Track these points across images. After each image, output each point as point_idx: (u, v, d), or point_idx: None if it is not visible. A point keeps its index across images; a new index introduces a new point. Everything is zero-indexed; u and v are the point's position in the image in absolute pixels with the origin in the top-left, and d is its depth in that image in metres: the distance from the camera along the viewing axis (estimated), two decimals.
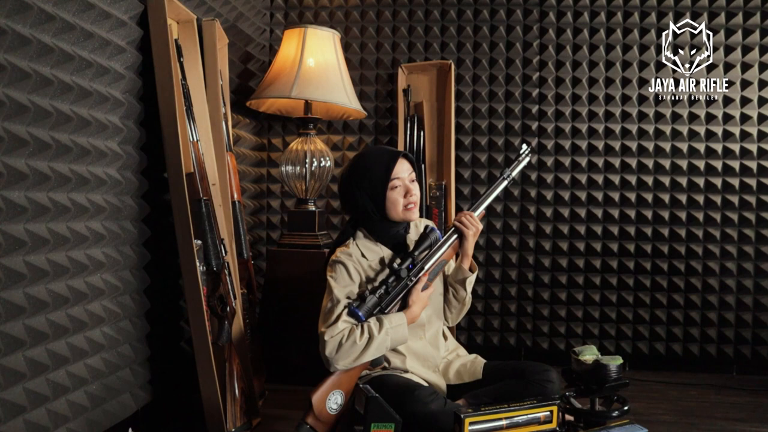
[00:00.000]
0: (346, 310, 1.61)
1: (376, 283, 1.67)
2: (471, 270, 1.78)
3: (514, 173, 1.82)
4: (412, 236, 1.82)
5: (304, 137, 2.56)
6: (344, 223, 2.91)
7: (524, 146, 1.86)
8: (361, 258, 1.72)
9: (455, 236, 1.74)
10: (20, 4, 1.31)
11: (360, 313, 1.59)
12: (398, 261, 1.67)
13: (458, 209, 2.82)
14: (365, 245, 1.75)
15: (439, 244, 1.72)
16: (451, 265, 1.84)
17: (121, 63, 1.72)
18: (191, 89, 2.01)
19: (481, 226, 1.74)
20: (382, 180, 1.68)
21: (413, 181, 1.73)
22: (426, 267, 1.69)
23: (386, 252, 1.76)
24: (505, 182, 1.80)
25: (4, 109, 1.28)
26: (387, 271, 1.69)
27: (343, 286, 1.66)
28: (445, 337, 1.88)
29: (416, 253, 1.67)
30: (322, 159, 2.55)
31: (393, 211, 1.70)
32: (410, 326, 1.68)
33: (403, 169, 1.71)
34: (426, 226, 1.74)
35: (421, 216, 2.06)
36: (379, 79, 2.92)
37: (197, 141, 1.96)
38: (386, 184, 1.68)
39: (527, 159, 1.85)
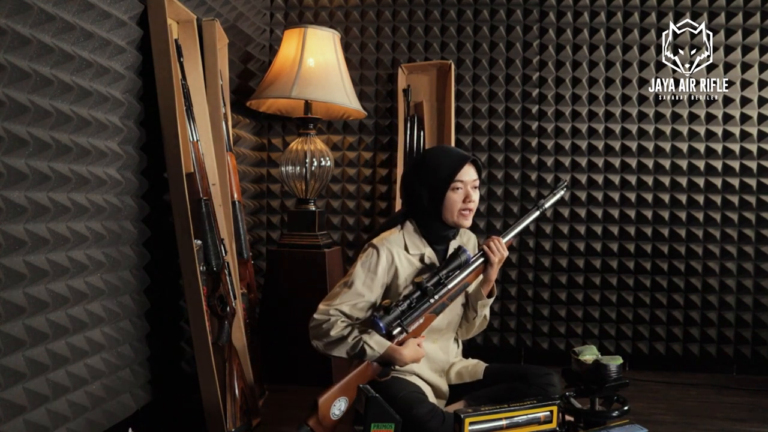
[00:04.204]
0: (351, 301, 1.65)
1: (400, 298, 1.64)
2: (490, 294, 1.77)
3: (548, 205, 1.81)
4: (455, 243, 1.79)
5: (304, 137, 2.56)
6: (345, 223, 2.92)
7: (561, 181, 1.86)
8: (401, 251, 1.72)
9: (482, 260, 1.72)
10: (20, 4, 1.31)
11: (381, 324, 1.59)
12: (425, 277, 1.64)
13: None
14: (411, 238, 1.74)
15: (466, 265, 1.69)
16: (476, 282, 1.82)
17: (121, 63, 1.72)
18: (191, 89, 2.01)
19: (506, 254, 1.72)
20: (446, 179, 1.67)
21: (475, 188, 1.72)
22: (449, 286, 1.66)
23: (428, 251, 1.75)
24: (538, 212, 1.80)
25: (4, 109, 1.28)
26: (411, 286, 1.67)
27: (366, 275, 1.67)
28: (458, 344, 1.89)
29: (444, 272, 1.65)
30: (322, 159, 2.55)
31: (448, 212, 1.69)
32: (427, 330, 1.68)
33: (469, 173, 1.70)
34: (458, 247, 1.70)
35: None
36: (379, 79, 2.92)
37: (197, 141, 1.96)
38: (449, 184, 1.67)
39: (562, 192, 1.84)
